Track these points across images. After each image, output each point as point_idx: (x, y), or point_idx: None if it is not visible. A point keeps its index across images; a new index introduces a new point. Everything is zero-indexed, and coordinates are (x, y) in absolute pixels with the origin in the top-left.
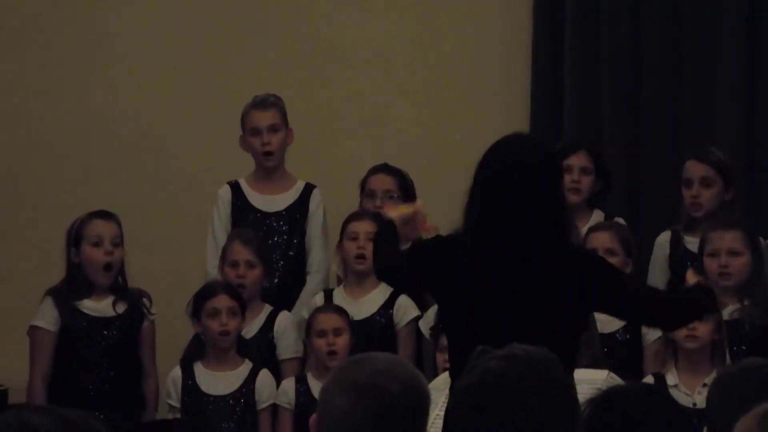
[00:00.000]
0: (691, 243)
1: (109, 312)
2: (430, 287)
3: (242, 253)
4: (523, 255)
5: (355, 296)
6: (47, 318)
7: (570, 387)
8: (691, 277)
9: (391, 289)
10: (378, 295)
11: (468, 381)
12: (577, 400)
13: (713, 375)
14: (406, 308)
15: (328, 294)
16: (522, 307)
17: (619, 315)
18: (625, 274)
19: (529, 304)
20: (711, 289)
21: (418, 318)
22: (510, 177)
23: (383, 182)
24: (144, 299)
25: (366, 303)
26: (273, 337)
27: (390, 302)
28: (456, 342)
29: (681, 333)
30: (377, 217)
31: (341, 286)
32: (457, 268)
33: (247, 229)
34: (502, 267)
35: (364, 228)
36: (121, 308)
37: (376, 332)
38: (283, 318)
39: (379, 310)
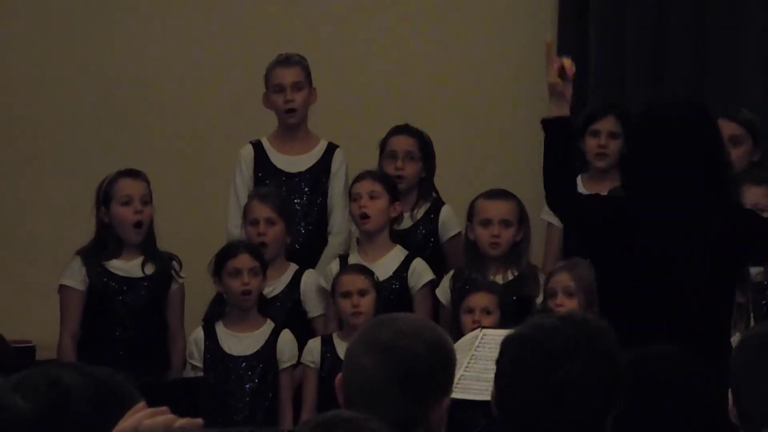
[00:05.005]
0: None
1: (137, 273)
2: (596, 241)
3: (261, 210)
4: (697, 213)
5: (369, 260)
6: (75, 277)
7: (617, 361)
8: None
9: (406, 253)
10: (392, 259)
11: (518, 332)
12: (623, 374)
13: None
14: (420, 272)
15: (344, 260)
16: (694, 263)
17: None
18: None
19: (701, 260)
20: None
21: (432, 282)
22: (682, 137)
23: (403, 143)
24: (174, 262)
25: (380, 267)
26: (300, 295)
27: (404, 266)
28: (616, 301)
29: None
30: (378, 176)
31: (355, 251)
32: (629, 226)
33: (267, 187)
34: (679, 225)
35: (366, 188)
36: (149, 269)
37: (391, 296)
38: (309, 276)
39: (393, 274)
